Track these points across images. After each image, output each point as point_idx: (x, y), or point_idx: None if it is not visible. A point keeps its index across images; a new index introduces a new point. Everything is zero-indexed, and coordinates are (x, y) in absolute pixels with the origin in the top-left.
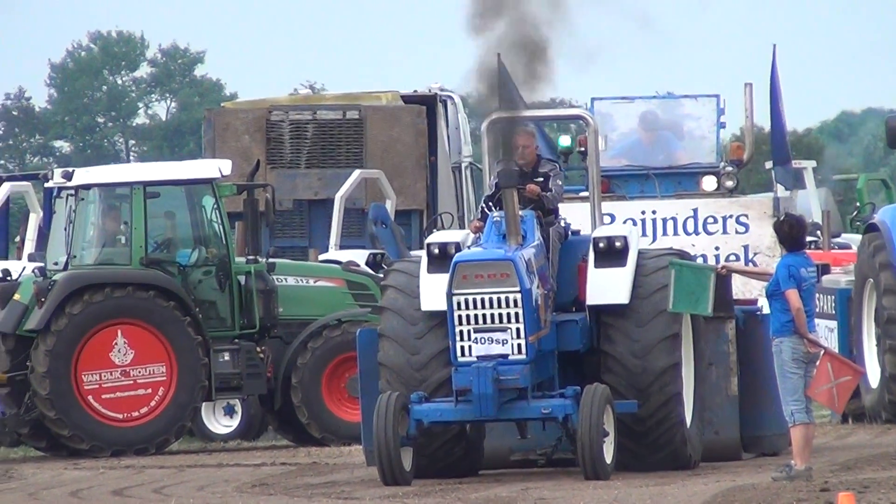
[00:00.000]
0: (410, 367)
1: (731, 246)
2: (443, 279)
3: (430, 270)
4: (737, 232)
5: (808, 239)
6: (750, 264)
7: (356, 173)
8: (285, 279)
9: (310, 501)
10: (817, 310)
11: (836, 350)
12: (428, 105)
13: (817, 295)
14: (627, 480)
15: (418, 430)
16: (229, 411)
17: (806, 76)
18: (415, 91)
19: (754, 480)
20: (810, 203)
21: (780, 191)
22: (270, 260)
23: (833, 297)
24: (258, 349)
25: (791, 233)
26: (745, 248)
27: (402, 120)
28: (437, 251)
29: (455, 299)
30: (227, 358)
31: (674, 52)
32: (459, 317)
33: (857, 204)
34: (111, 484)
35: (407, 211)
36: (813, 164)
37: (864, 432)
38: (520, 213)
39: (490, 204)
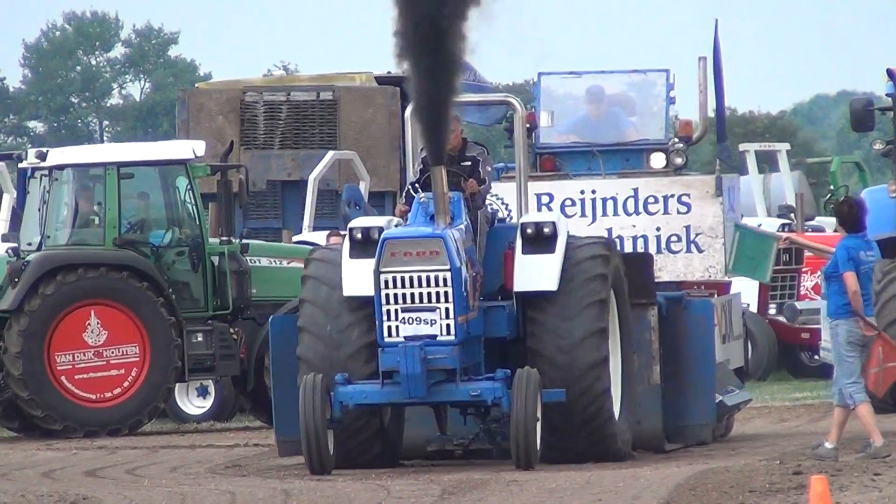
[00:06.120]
0: (332, 364)
1: (673, 226)
2: (366, 264)
3: (352, 255)
4: (678, 212)
5: (783, 222)
6: (692, 245)
7: (330, 154)
8: (258, 260)
9: (282, 483)
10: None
11: None
12: (402, 86)
13: None
14: (600, 463)
15: (343, 412)
16: (202, 392)
17: (780, 59)
18: (388, 72)
19: (727, 463)
20: (784, 186)
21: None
22: (244, 241)
23: None
24: (231, 330)
25: (851, 214)
26: (687, 228)
27: (376, 101)
28: (359, 236)
29: (383, 277)
30: (200, 339)
31: (624, 28)
32: (387, 296)
33: (831, 187)
34: (84, 464)
35: (380, 192)
36: (787, 146)
37: None
38: (448, 193)
39: (417, 186)
